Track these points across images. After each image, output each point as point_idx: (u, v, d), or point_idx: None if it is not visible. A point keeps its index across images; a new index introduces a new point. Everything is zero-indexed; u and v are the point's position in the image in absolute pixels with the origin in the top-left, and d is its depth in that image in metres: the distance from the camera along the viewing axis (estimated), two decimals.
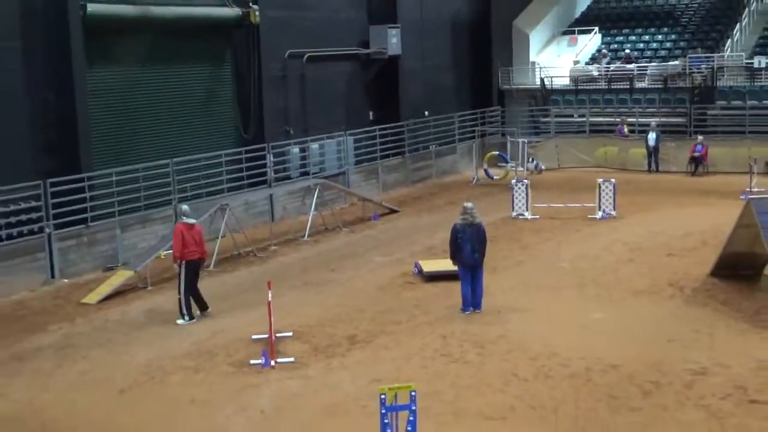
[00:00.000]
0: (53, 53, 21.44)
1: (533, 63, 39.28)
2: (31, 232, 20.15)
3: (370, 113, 32.53)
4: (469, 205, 16.78)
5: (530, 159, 32.77)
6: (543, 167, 32.96)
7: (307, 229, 24.02)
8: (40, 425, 12.46)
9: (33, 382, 14.08)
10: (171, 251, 17.62)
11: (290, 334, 15.73)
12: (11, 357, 15.35)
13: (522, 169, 31.33)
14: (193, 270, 17.01)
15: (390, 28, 31.99)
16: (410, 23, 33.53)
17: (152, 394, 13.52)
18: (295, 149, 28.10)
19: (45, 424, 12.51)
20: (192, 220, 17.14)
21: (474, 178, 32.38)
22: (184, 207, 17.41)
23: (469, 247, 16.41)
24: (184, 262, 16.82)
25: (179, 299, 16.89)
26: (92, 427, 12.36)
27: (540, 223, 24.52)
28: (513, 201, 25.48)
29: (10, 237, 19.76)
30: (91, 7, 22.06)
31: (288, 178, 27.52)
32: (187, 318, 16.84)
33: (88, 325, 17.10)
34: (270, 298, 14.82)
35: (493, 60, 38.49)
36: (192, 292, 17.03)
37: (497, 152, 32.95)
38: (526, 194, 25.34)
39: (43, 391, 13.74)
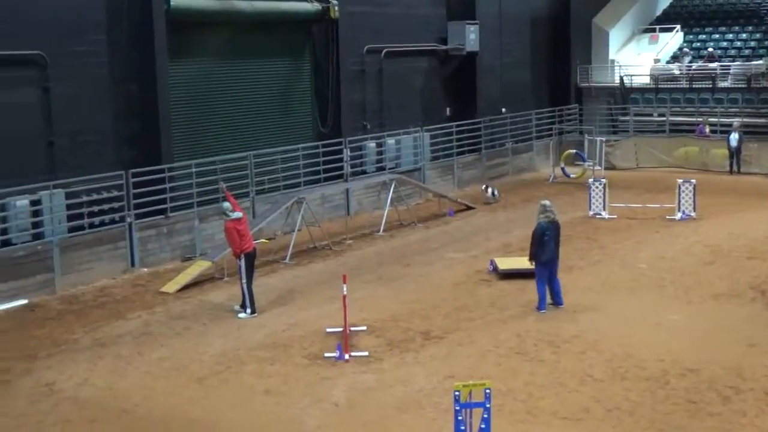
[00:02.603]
0: (137, 46, 21.83)
1: (612, 61, 38.82)
2: (113, 221, 20.57)
3: (447, 109, 32.45)
4: (548, 202, 16.96)
5: (485, 187, 28.82)
6: (497, 195, 28.32)
7: (382, 224, 24.09)
8: (121, 410, 12.73)
9: (114, 368, 14.39)
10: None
11: (364, 328, 15.84)
12: (93, 342, 15.71)
13: (600, 167, 30.96)
14: (252, 261, 17.21)
15: (468, 24, 31.87)
16: (489, 20, 33.36)
17: (228, 383, 13.71)
18: (372, 144, 28.19)
19: (125, 409, 12.77)
20: (238, 214, 17.21)
21: (551, 176, 32.13)
22: (226, 204, 17.40)
23: (552, 245, 16.52)
24: (243, 255, 17.00)
25: (242, 293, 17.05)
26: (170, 414, 12.59)
27: (617, 223, 24.25)
28: (590, 200, 25.23)
29: (92, 226, 20.19)
30: (175, 1, 22.38)
31: (364, 172, 27.63)
32: (249, 311, 16.94)
33: (166, 314, 17.40)
34: (345, 292, 14.90)
35: (571, 57, 38.09)
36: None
37: (575, 150, 32.63)
38: (604, 193, 25.08)
39: (123, 376, 14.04)
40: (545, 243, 16.48)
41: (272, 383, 13.57)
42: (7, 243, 18.88)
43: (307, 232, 22.44)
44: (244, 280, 16.97)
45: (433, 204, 27.38)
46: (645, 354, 14.21)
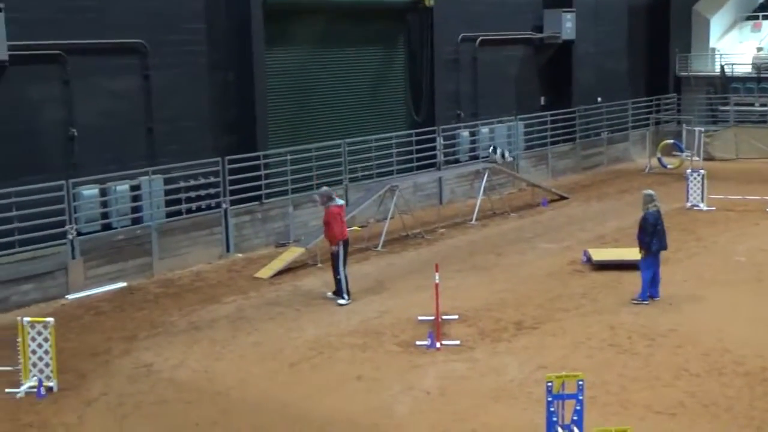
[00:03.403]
0: (235, 35, 22.12)
1: (713, 49, 37.91)
2: (209, 207, 20.93)
3: (542, 98, 32.15)
4: (653, 192, 16.79)
5: (492, 148, 27.21)
6: (508, 157, 27.26)
7: (475, 213, 24.02)
8: (215, 392, 12.97)
9: (209, 351, 14.67)
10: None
11: (456, 316, 15.83)
12: (189, 326, 16.04)
13: (698, 158, 30.30)
14: (347, 248, 17.32)
15: (564, 12, 31.48)
16: (585, 7, 32.89)
17: (320, 369, 13.86)
18: (465, 133, 28.11)
19: (220, 391, 13.01)
20: (342, 201, 17.28)
21: (647, 167, 31.60)
22: (329, 188, 17.49)
23: (663, 234, 16.42)
24: (341, 241, 17.09)
25: (339, 279, 17.06)
26: (263, 398, 12.78)
27: (715, 215, 23.74)
28: (688, 191, 24.76)
29: (189, 211, 20.58)
30: None
31: (457, 161, 27.58)
32: (347, 297, 17.05)
33: (260, 299, 17.65)
34: (437, 281, 14.92)
35: (670, 46, 37.33)
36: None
37: (672, 141, 32.04)
38: (702, 185, 24.58)
39: (218, 360, 14.30)
40: (657, 232, 16.29)
41: (364, 370, 13.67)
42: (108, 227, 19.40)
43: (400, 220, 22.50)
44: (342, 267, 17.04)
45: (526, 193, 27.18)
46: (743, 349, 13.90)
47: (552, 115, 30.79)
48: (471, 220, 23.86)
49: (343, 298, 17.04)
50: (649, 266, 16.44)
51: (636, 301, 16.35)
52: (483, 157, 26.16)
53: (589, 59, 33.44)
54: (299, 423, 11.93)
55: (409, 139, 26.23)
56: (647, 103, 35.48)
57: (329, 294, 17.35)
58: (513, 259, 20.15)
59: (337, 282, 17.12)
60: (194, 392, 13.00)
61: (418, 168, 26.02)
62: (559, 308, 16.34)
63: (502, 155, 26.15)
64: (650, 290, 16.52)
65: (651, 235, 16.33)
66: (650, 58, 37.17)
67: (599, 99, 33.55)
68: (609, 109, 33.44)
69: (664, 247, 16.57)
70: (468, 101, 29.19)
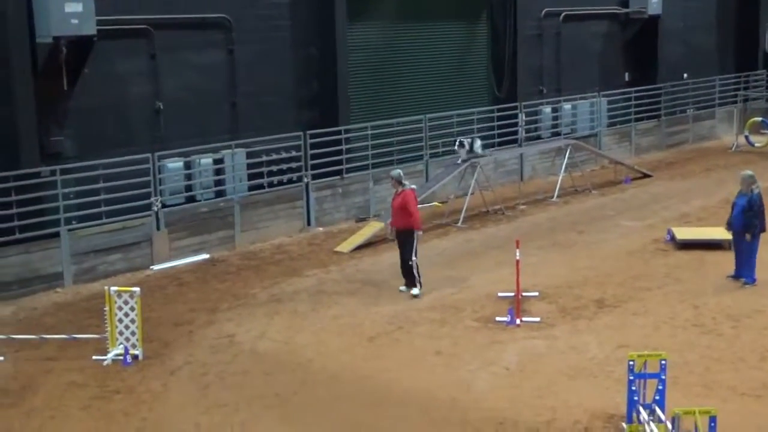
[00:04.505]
0: (317, 9, 22.18)
1: None
2: (290, 181, 21.10)
3: (626, 74, 31.63)
4: (752, 172, 16.48)
5: (458, 142, 22.26)
6: (483, 152, 22.61)
7: (556, 190, 23.80)
8: (296, 364, 13.13)
9: (290, 323, 14.84)
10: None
11: (536, 293, 15.73)
12: (270, 298, 16.24)
13: None
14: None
15: None
16: None
17: (399, 343, 13.92)
18: (547, 109, 27.83)
19: (300, 363, 13.16)
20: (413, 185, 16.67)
21: (734, 145, 30.91)
22: (400, 171, 16.60)
23: (763, 214, 16.00)
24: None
25: (411, 265, 16.08)
26: (342, 370, 12.88)
27: None
28: None
29: (271, 185, 20.78)
30: None
31: (539, 137, 27.32)
32: (420, 286, 16.14)
33: (340, 273, 17.78)
34: (518, 257, 14.84)
35: (760, 21, 36.33)
36: None
37: (760, 118, 31.27)
38: None
39: (298, 332, 14.46)
40: (762, 213, 15.96)
41: (442, 345, 13.69)
42: (191, 200, 19.70)
43: (480, 196, 22.41)
44: (417, 255, 16.17)
45: (608, 171, 26.84)
46: None
47: (636, 92, 30.28)
48: (552, 197, 23.66)
49: (416, 286, 16.12)
50: (756, 249, 16.01)
51: (749, 284, 15.94)
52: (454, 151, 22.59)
53: (675, 35, 32.77)
54: (377, 395, 12.01)
55: (491, 114, 26.07)
56: (735, 79, 34.65)
57: (402, 288, 16.32)
58: (594, 236, 19.94)
59: (409, 268, 16.14)
60: (275, 363, 13.18)
61: (500, 144, 25.85)
62: (641, 287, 16.14)
63: (471, 147, 22.09)
64: (738, 271, 16.17)
65: (763, 216, 15.94)
66: (739, 33, 36.23)
67: (685, 75, 32.90)
68: (695, 86, 32.76)
69: (764, 229, 16.11)
70: (551, 77, 28.86)
